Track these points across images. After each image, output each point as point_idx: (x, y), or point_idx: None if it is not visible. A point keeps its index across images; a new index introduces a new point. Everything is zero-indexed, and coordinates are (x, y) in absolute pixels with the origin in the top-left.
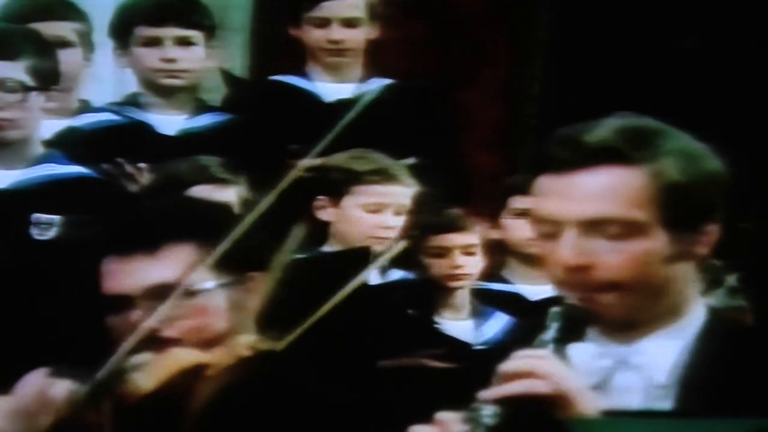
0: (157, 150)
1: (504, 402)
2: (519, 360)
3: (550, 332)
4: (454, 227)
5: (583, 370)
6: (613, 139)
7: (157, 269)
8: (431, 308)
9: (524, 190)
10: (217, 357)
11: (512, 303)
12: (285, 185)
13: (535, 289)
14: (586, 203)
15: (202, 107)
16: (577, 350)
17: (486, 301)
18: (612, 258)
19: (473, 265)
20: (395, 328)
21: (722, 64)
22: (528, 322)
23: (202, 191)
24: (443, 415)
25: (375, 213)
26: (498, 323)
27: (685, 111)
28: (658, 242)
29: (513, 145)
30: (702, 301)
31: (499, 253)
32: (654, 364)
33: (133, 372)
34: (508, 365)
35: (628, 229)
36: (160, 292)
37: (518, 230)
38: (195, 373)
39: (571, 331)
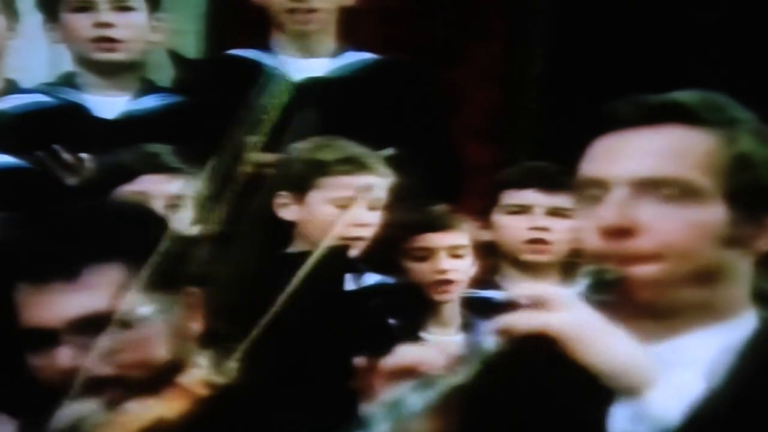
0: (94, 136)
1: (507, 334)
2: (532, 287)
3: (578, 287)
4: (439, 226)
5: None
6: (686, 98)
7: (82, 297)
8: (414, 319)
9: (519, 183)
10: (175, 405)
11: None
12: None
13: None
14: (643, 161)
15: (147, 87)
16: None
17: (478, 312)
18: (661, 222)
19: (461, 269)
20: (372, 341)
21: (746, 39)
22: None
23: (150, 182)
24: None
25: (346, 208)
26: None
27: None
28: (715, 215)
29: (508, 132)
30: (753, 309)
31: (490, 256)
32: (689, 364)
33: None
34: (520, 289)
35: (684, 193)
36: (87, 324)
37: (512, 230)
38: (156, 429)
39: (601, 292)
